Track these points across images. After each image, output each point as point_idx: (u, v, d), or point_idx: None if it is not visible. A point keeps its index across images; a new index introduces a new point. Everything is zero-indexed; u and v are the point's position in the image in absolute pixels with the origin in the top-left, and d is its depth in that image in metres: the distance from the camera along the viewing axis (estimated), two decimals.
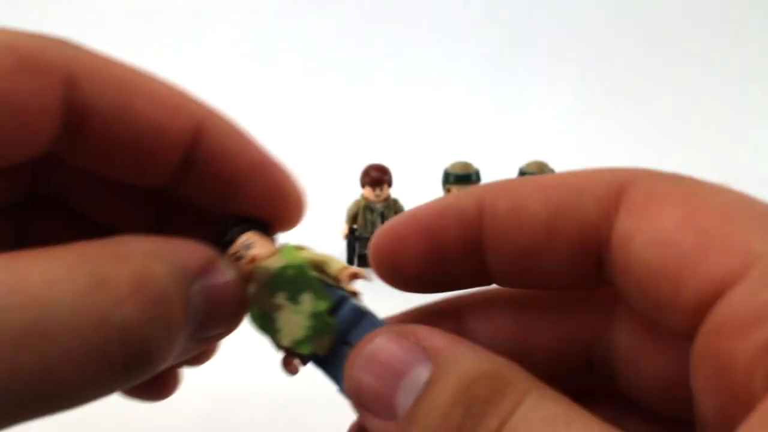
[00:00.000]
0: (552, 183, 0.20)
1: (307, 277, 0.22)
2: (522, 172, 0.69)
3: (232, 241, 0.23)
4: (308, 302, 0.21)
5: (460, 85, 1.12)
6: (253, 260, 0.22)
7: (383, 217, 0.69)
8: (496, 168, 0.77)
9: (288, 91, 1.09)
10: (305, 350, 0.22)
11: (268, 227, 0.24)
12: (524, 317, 0.23)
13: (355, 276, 0.22)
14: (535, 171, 0.68)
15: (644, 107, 1.08)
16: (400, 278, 0.22)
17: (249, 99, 1.06)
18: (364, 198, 0.68)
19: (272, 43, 1.14)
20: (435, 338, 0.18)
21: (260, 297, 0.22)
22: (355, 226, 0.70)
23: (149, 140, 0.22)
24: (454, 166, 0.69)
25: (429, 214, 0.21)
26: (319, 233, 0.75)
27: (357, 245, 0.70)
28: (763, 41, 1.14)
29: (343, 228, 0.70)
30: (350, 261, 0.71)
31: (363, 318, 0.22)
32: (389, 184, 0.68)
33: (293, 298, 0.21)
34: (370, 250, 0.22)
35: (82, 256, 0.17)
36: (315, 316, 0.21)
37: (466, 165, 0.69)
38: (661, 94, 1.10)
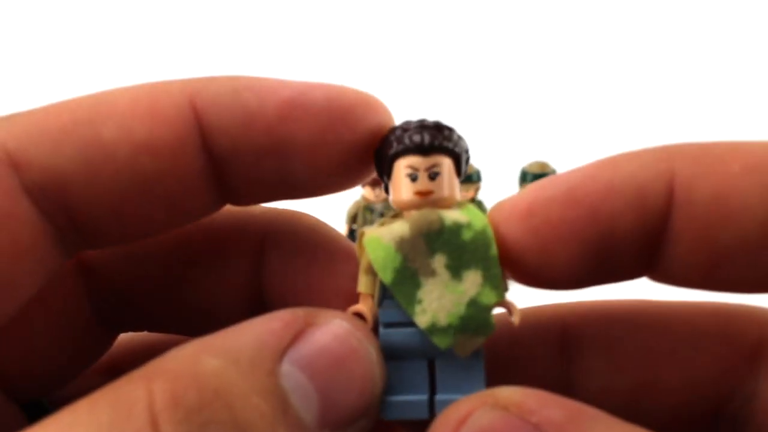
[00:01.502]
0: (765, 161, 0.15)
1: (489, 252, 0.16)
2: (524, 173, 0.69)
3: (415, 150, 0.17)
4: (473, 284, 0.16)
5: (460, 84, 1.11)
6: (427, 194, 0.17)
7: (383, 217, 0.69)
8: (498, 168, 0.76)
9: None
10: (443, 342, 0.16)
11: (463, 169, 0.18)
12: (651, 347, 0.18)
13: (508, 308, 0.16)
14: (537, 171, 0.68)
15: (647, 106, 1.08)
16: (545, 276, 0.16)
17: None
18: (363, 198, 0.69)
19: (271, 40, 1.14)
20: (551, 412, 0.14)
21: (413, 248, 0.16)
22: (354, 226, 0.70)
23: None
24: None
25: (595, 190, 0.15)
26: None
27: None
28: (765, 42, 1.14)
29: (343, 228, 0.70)
30: None
31: (475, 362, 0.17)
32: None
33: (455, 270, 0.16)
34: (502, 234, 0.16)
35: (102, 395, 0.13)
36: (476, 305, 0.16)
37: (468, 166, 0.69)
38: (664, 93, 1.10)
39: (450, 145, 0.17)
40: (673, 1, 1.16)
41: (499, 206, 0.16)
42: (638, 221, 0.15)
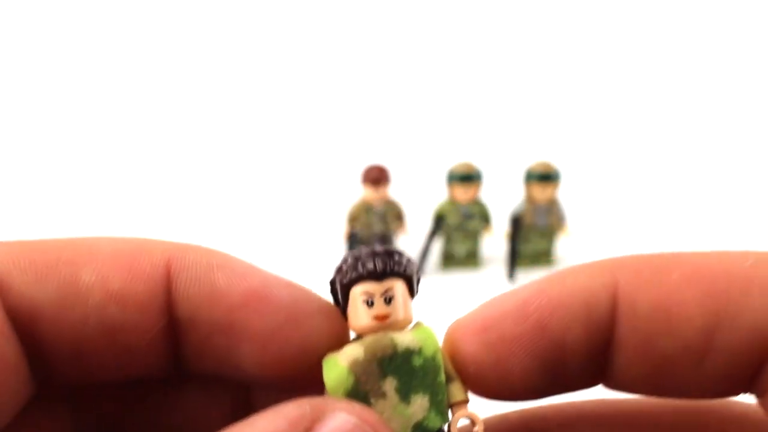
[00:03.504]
0: (703, 271, 0.15)
1: (437, 379, 0.17)
2: (529, 174, 0.69)
3: (369, 277, 0.17)
4: (421, 408, 0.17)
5: (462, 84, 1.11)
6: (384, 318, 0.17)
7: (384, 219, 0.70)
8: (500, 168, 0.76)
9: (288, 91, 1.08)
10: None
11: (415, 289, 0.19)
12: None
13: (470, 421, 0.17)
14: (541, 171, 0.68)
15: (649, 106, 1.07)
16: (502, 389, 0.17)
17: (249, 100, 1.05)
18: (364, 201, 0.69)
19: (271, 39, 1.13)
20: None
21: (365, 371, 0.17)
22: (355, 229, 0.69)
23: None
24: (457, 167, 0.69)
25: (544, 305, 0.16)
26: (320, 235, 0.76)
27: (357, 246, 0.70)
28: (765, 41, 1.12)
29: (345, 229, 0.70)
30: None
31: None
32: (388, 184, 0.68)
33: (404, 394, 0.17)
34: (460, 349, 0.17)
35: None
36: (422, 429, 0.17)
37: (469, 166, 0.69)
38: (666, 93, 1.09)
39: (401, 269, 0.18)
40: (675, 2, 1.15)
41: (458, 323, 0.17)
42: (586, 333, 0.16)
